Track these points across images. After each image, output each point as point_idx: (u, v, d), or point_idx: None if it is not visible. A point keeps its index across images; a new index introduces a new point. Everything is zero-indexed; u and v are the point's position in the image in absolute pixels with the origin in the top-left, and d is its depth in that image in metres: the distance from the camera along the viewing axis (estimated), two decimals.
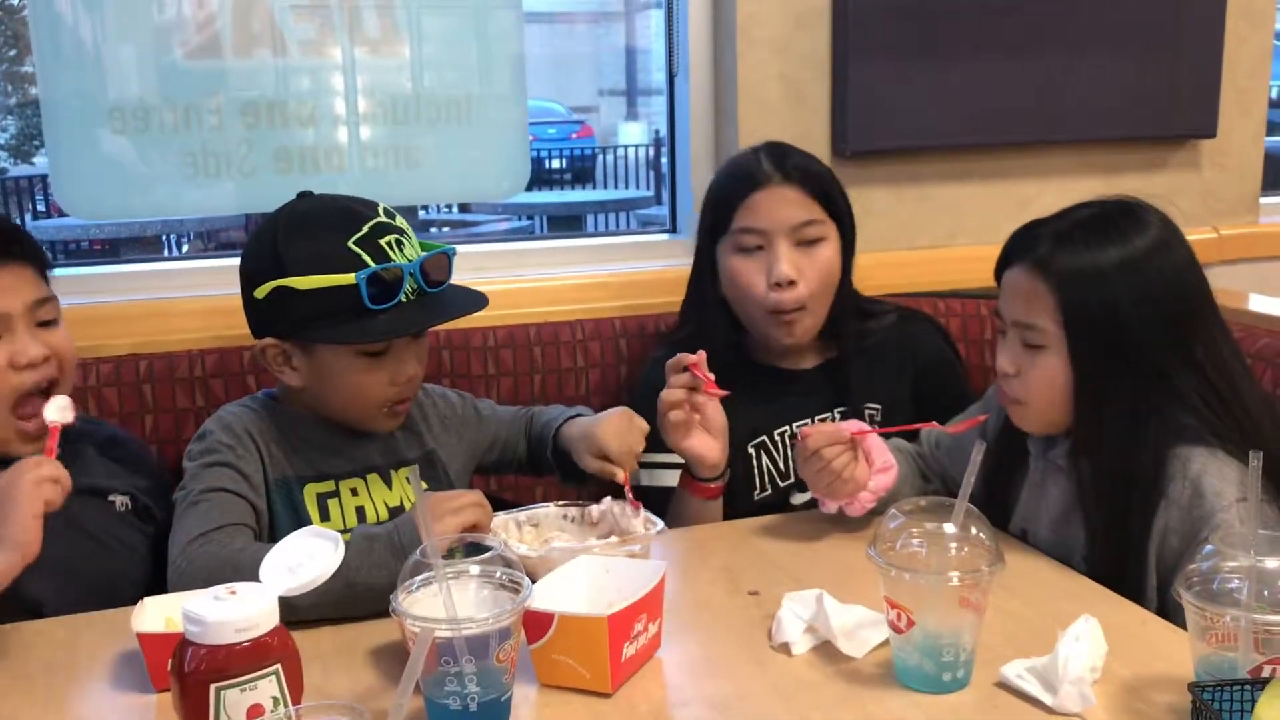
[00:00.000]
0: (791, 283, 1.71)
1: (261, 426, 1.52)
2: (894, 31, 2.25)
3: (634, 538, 1.39)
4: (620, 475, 1.51)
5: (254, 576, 1.08)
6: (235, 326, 1.96)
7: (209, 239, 6.85)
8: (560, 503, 1.48)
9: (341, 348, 1.46)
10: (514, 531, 1.42)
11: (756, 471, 1.79)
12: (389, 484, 1.56)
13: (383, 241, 1.44)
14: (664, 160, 2.58)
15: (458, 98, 2.22)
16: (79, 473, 1.29)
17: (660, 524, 1.42)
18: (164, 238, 6.69)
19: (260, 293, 1.45)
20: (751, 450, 1.79)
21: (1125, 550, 1.41)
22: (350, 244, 1.42)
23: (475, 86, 2.23)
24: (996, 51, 2.33)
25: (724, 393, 1.59)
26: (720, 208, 1.79)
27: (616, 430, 1.55)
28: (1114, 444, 1.41)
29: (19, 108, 8.74)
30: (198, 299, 2.05)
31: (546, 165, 10.15)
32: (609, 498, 1.47)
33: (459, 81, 2.23)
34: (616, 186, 10.23)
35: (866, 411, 1.82)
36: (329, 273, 1.40)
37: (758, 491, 1.79)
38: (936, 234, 2.41)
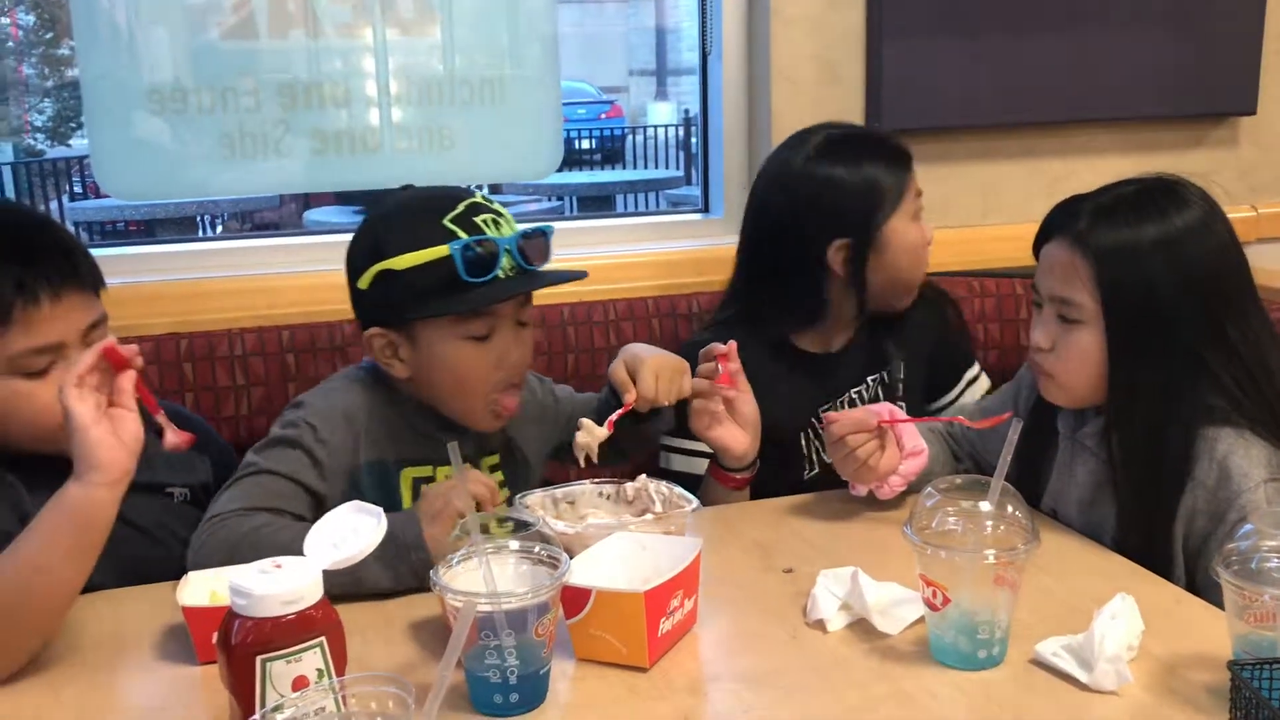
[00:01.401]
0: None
1: (367, 405, 1.50)
2: (927, 9, 2.24)
3: (668, 515, 1.40)
4: (630, 395, 1.52)
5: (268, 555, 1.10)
6: (274, 305, 2.01)
7: (244, 219, 6.91)
8: (596, 480, 1.49)
9: (446, 331, 1.45)
10: (550, 509, 1.44)
11: (806, 451, 1.80)
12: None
13: (478, 219, 1.44)
14: (694, 140, 2.57)
15: (490, 78, 2.22)
16: (139, 470, 1.29)
17: (695, 501, 1.43)
18: (199, 218, 6.75)
19: (363, 282, 1.45)
20: (801, 433, 1.80)
21: (1153, 530, 1.41)
22: (445, 221, 1.43)
23: (508, 67, 2.24)
24: (1031, 28, 2.31)
25: (732, 390, 1.59)
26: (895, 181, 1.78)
27: (656, 356, 1.55)
28: (1145, 422, 1.41)
29: (56, 90, 8.83)
30: (235, 278, 2.08)
31: (576, 146, 10.15)
32: (644, 475, 1.48)
33: (492, 62, 2.23)
34: (646, 167, 10.21)
35: (887, 372, 1.86)
36: (426, 247, 1.41)
37: (808, 471, 1.80)
38: (970, 213, 2.40)
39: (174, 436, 1.29)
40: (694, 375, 1.60)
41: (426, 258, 1.40)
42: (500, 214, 1.49)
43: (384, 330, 1.47)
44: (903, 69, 2.24)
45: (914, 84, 2.26)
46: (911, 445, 1.54)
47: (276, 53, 2.14)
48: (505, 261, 1.43)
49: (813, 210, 1.76)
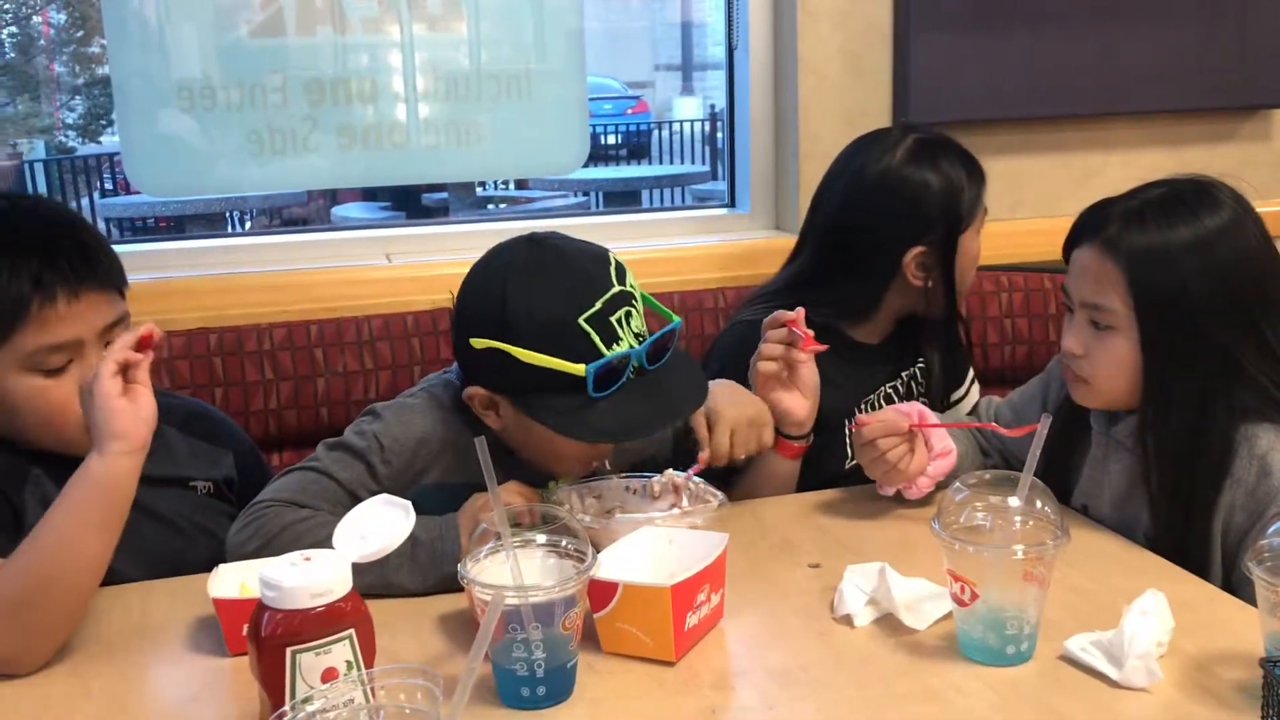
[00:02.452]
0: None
1: (444, 432, 1.46)
2: (956, 2, 2.23)
3: (694, 510, 1.39)
4: (703, 454, 1.49)
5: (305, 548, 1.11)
6: (302, 301, 2.02)
7: (272, 215, 6.95)
8: (623, 474, 1.49)
9: None
10: (577, 503, 1.44)
11: (847, 442, 1.80)
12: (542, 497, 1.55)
13: (614, 319, 1.35)
14: (720, 135, 2.57)
15: (517, 73, 2.23)
16: (161, 462, 1.31)
17: (721, 496, 1.42)
18: (228, 214, 6.80)
19: (478, 344, 1.36)
20: (843, 422, 1.79)
21: (1189, 528, 1.40)
22: (581, 321, 1.33)
23: (535, 62, 2.24)
24: (1059, 21, 2.29)
25: (822, 347, 1.57)
26: (975, 193, 1.79)
27: (734, 409, 1.52)
28: (1181, 424, 1.40)
29: (86, 88, 8.91)
30: (264, 274, 2.10)
31: (602, 141, 10.16)
32: (671, 470, 1.48)
33: (519, 57, 2.24)
34: (671, 162, 10.21)
35: (917, 368, 1.86)
36: (556, 352, 1.32)
37: (848, 461, 1.79)
38: (998, 207, 2.37)
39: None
40: (759, 346, 1.59)
41: (557, 366, 1.32)
42: (634, 299, 1.40)
43: (488, 392, 1.42)
44: (930, 62, 2.23)
45: (941, 77, 2.25)
46: (940, 446, 1.53)
47: (304, 49, 2.15)
48: (633, 364, 1.37)
49: (900, 213, 1.75)
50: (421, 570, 1.31)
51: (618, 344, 1.35)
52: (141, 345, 1.25)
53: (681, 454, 1.55)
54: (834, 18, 2.21)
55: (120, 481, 1.23)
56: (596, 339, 1.33)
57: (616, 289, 1.37)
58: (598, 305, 1.34)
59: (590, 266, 1.38)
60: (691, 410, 1.47)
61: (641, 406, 1.37)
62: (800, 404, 1.60)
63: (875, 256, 1.77)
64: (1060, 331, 1.52)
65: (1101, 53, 2.32)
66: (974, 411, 1.76)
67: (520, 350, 1.33)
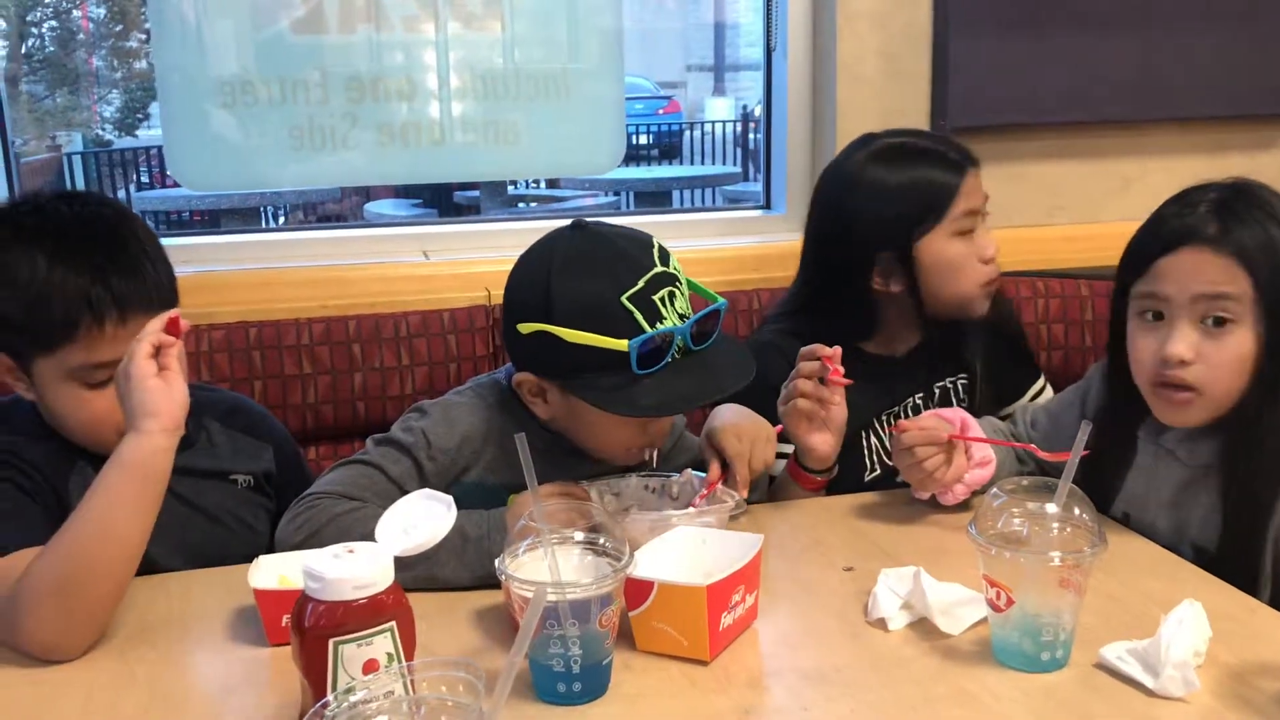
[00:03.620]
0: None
1: (490, 429, 1.48)
2: (995, 6, 2.23)
3: (710, 510, 1.39)
4: (712, 475, 1.48)
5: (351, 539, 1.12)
6: (340, 297, 2.04)
7: (307, 211, 7.00)
8: (642, 474, 1.49)
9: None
10: (596, 500, 1.44)
11: (867, 453, 1.79)
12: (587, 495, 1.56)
13: (656, 298, 1.37)
14: (752, 136, 2.57)
15: (555, 72, 2.24)
16: (203, 456, 1.33)
17: (737, 498, 1.42)
18: (262, 209, 6.85)
19: (525, 329, 1.39)
20: (862, 433, 1.79)
21: (1252, 536, 1.39)
22: (623, 299, 1.35)
23: (572, 61, 2.25)
24: (1099, 25, 2.28)
25: (848, 381, 1.56)
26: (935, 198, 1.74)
27: (735, 429, 1.52)
28: (1275, 421, 1.39)
29: (124, 82, 9.00)
30: (303, 269, 2.12)
31: (633, 141, 10.17)
32: (689, 470, 1.48)
33: (557, 56, 2.25)
34: (703, 162, 10.20)
35: (959, 382, 1.84)
36: (600, 330, 1.34)
37: (868, 473, 1.79)
38: (1035, 212, 2.37)
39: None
40: (791, 380, 1.58)
41: (600, 343, 1.34)
42: (678, 280, 1.42)
43: (536, 378, 1.44)
44: (969, 66, 2.23)
45: (980, 81, 2.24)
46: (980, 455, 1.53)
47: (344, 47, 2.17)
48: (677, 343, 1.39)
49: (857, 220, 1.74)
50: (469, 567, 1.33)
51: (661, 323, 1.37)
52: (169, 329, 1.27)
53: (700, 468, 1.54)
54: (873, 20, 2.21)
55: (155, 459, 1.25)
56: (640, 317, 1.36)
57: (659, 269, 1.39)
58: (640, 285, 1.36)
59: (631, 249, 1.41)
60: (737, 386, 1.46)
61: (686, 382, 1.39)
62: (827, 442, 1.60)
63: (848, 265, 1.76)
64: (1123, 339, 1.48)
65: (1142, 58, 2.31)
66: (1010, 418, 1.75)
67: (565, 330, 1.35)
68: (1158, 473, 1.51)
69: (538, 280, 1.40)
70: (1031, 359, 1.98)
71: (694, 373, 1.40)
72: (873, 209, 1.72)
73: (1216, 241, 1.39)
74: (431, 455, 1.45)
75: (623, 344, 1.34)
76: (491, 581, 1.29)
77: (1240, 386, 1.41)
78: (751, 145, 8.93)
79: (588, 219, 1.47)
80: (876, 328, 1.80)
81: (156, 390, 1.24)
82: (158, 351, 1.27)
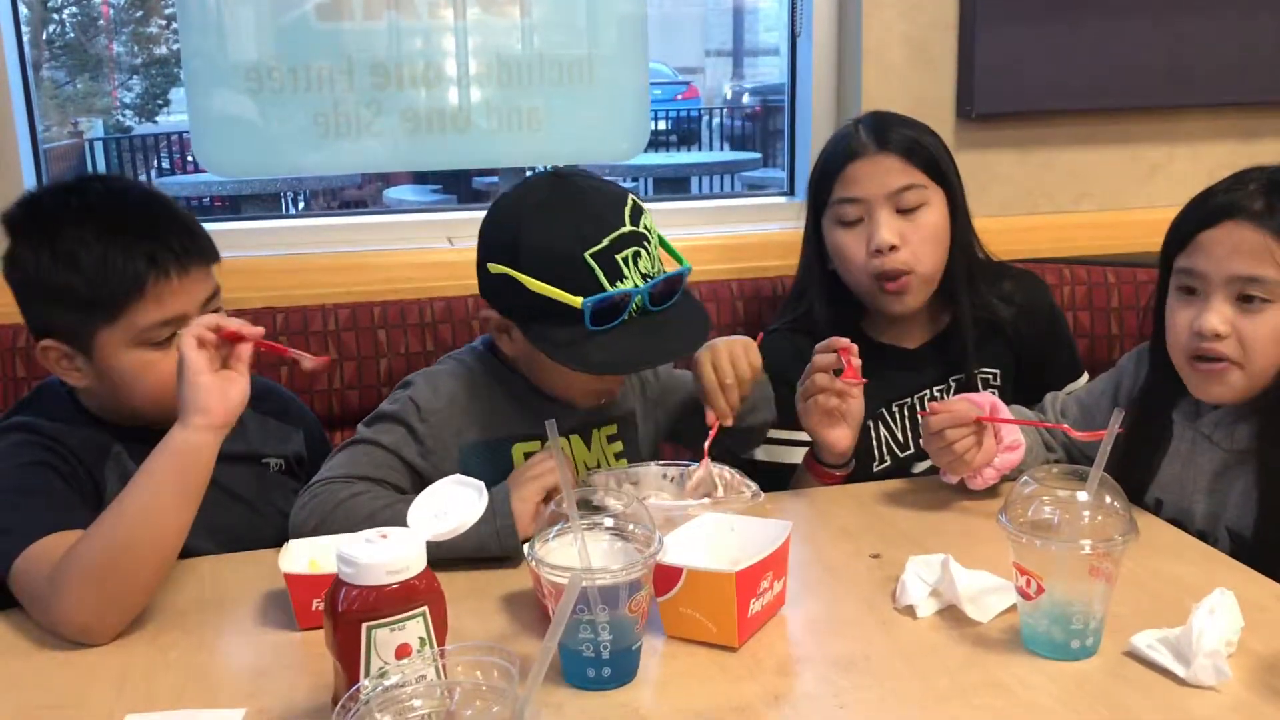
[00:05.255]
0: (893, 248, 1.70)
1: (474, 387, 1.52)
2: None
3: (728, 499, 1.40)
4: (710, 419, 1.51)
5: (359, 525, 1.14)
6: (365, 283, 2.04)
7: (329, 197, 7.01)
8: (661, 463, 1.50)
9: None
10: (613, 488, 1.44)
11: (876, 444, 1.79)
12: (589, 444, 1.58)
13: (620, 257, 1.39)
14: (770, 122, 2.56)
15: (577, 58, 2.24)
16: (235, 440, 1.34)
17: (754, 488, 1.43)
18: (283, 195, 6.86)
19: (493, 269, 1.43)
20: (870, 424, 1.78)
21: None
22: (586, 256, 1.38)
23: (595, 47, 2.25)
24: (1126, 11, 2.26)
25: (862, 380, 1.57)
26: (821, 182, 1.80)
27: (711, 357, 1.53)
28: None
29: (144, 68, 9.02)
30: (329, 254, 2.12)
31: (653, 127, 10.13)
32: (708, 460, 1.48)
33: (578, 42, 2.25)
34: (721, 148, 10.17)
35: (982, 377, 1.81)
36: (559, 283, 1.37)
37: (877, 463, 1.79)
38: (1062, 199, 2.36)
39: (311, 361, 1.39)
40: (805, 363, 1.59)
41: (557, 296, 1.37)
42: (646, 240, 1.43)
43: (500, 316, 1.49)
44: (996, 51, 2.21)
45: (1007, 67, 2.22)
46: (1010, 439, 1.52)
47: (367, 33, 2.17)
48: (634, 303, 1.41)
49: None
50: (477, 538, 1.30)
51: (622, 281, 1.40)
52: (233, 340, 1.31)
53: (693, 433, 1.57)
54: (899, 5, 2.20)
55: (198, 454, 1.26)
56: (601, 275, 1.38)
57: (627, 229, 1.41)
58: (604, 243, 1.39)
59: (603, 205, 1.43)
60: (687, 351, 1.51)
61: (638, 343, 1.42)
62: (844, 436, 1.60)
63: (809, 237, 1.85)
64: (1140, 326, 1.50)
65: (1170, 43, 2.29)
66: (1039, 406, 1.74)
67: (527, 278, 1.38)
68: (1194, 458, 1.50)
69: (509, 224, 1.44)
70: (1073, 355, 1.92)
71: (648, 334, 1.43)
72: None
73: (1259, 217, 1.40)
74: (423, 418, 1.48)
75: (577, 301, 1.37)
76: (499, 547, 1.34)
77: (1277, 363, 1.41)
78: (770, 128, 8.89)
79: (569, 169, 1.51)
80: (843, 310, 1.81)
81: (208, 387, 1.27)
82: (224, 346, 1.30)
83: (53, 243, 1.40)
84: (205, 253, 1.47)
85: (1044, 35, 2.23)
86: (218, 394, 1.27)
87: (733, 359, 1.53)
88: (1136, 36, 2.28)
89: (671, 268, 1.48)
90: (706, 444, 1.48)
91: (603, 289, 1.38)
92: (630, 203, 1.44)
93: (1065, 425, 1.57)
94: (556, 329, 1.40)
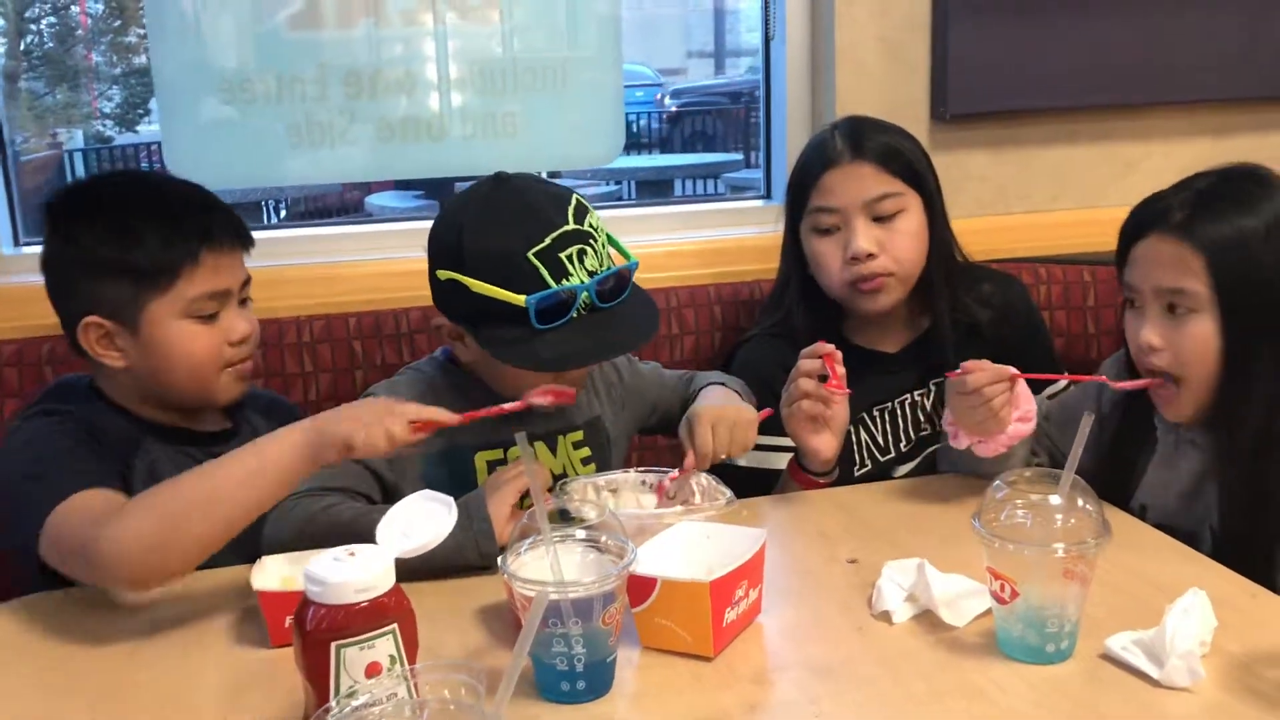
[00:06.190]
0: (870, 255, 1.70)
1: (434, 395, 1.51)
2: None
3: (703, 506, 1.40)
4: (688, 460, 1.50)
5: (334, 537, 1.14)
6: (340, 294, 2.04)
7: (307, 205, 6.98)
8: (640, 469, 1.50)
9: None
10: (592, 495, 1.44)
11: (856, 448, 1.78)
12: (554, 451, 1.58)
13: (564, 255, 1.41)
14: (753, 121, 2.56)
15: (552, 62, 2.23)
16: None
17: (729, 494, 1.43)
18: (263, 204, 6.84)
19: (441, 275, 1.46)
20: (851, 427, 1.78)
21: (1263, 513, 1.40)
22: (530, 255, 1.40)
23: (570, 50, 2.24)
24: (1100, 9, 2.26)
25: (846, 390, 1.57)
26: (797, 189, 1.79)
27: (713, 420, 1.53)
28: (1259, 410, 1.41)
29: (124, 77, 8.97)
30: (302, 266, 2.11)
31: (634, 129, 10.11)
32: (689, 465, 1.48)
33: (555, 45, 2.24)
34: (703, 150, 10.16)
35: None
36: (504, 283, 1.39)
37: (858, 467, 1.78)
38: (1038, 198, 2.36)
39: (540, 398, 1.41)
40: (787, 370, 1.59)
41: (502, 296, 1.39)
42: (592, 238, 1.45)
43: (452, 323, 1.50)
44: (969, 51, 2.21)
45: (981, 66, 2.22)
46: (1026, 409, 1.52)
47: (342, 41, 2.16)
48: (581, 299, 1.42)
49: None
50: (452, 534, 1.29)
51: (567, 279, 1.41)
52: (423, 428, 1.32)
53: (663, 427, 1.61)
54: (872, 6, 2.20)
55: (281, 445, 1.27)
56: (545, 273, 1.40)
57: (570, 227, 1.43)
58: (547, 241, 1.41)
59: (545, 205, 1.45)
60: (635, 346, 1.54)
61: (585, 340, 1.43)
62: (829, 444, 1.60)
63: (787, 243, 1.85)
64: (1119, 324, 1.52)
65: (1144, 41, 2.29)
66: None
67: (472, 281, 1.41)
68: (1176, 462, 1.51)
69: (453, 229, 1.45)
70: (1052, 356, 1.92)
71: (595, 330, 1.44)
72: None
73: (1179, 230, 1.42)
74: None
75: (520, 299, 1.38)
76: (479, 555, 1.34)
77: (1212, 371, 1.43)
78: (747, 126, 8.89)
79: (511, 172, 1.51)
80: (822, 316, 1.80)
81: (356, 430, 1.26)
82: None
83: (109, 218, 1.47)
84: (245, 237, 1.55)
85: (1017, 35, 2.24)
86: (360, 431, 1.26)
87: (733, 438, 1.52)
88: (1109, 35, 2.28)
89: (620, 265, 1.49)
90: (667, 480, 1.47)
91: (547, 286, 1.40)
92: (574, 201, 1.46)
93: (1103, 377, 1.57)
94: (505, 329, 1.42)
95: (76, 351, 1.51)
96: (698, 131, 9.84)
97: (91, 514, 1.27)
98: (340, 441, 1.26)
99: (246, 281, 1.56)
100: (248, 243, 1.56)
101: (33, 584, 1.40)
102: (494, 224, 1.43)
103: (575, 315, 1.42)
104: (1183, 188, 1.46)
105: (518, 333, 1.41)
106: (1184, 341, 1.43)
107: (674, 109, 10.13)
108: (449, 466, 1.50)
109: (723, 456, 1.52)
